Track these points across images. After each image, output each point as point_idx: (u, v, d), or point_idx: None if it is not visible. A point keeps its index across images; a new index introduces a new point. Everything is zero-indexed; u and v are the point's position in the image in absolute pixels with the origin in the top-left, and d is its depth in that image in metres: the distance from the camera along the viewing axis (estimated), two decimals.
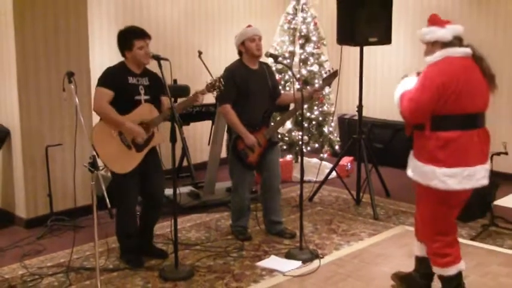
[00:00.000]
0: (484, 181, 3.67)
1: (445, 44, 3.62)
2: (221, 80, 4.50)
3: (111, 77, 4.42)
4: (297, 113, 5.34)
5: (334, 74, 5.22)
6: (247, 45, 4.92)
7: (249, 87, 4.93)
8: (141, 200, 4.73)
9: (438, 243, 3.74)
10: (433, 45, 3.68)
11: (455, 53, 3.60)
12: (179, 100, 6.63)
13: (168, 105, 4.49)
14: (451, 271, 3.74)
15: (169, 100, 4.34)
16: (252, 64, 5.01)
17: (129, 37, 4.44)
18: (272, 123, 5.21)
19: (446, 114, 3.54)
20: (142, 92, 4.48)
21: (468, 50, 3.64)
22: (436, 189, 3.58)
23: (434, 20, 3.72)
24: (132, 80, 4.46)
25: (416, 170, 3.68)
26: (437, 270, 3.81)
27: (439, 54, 3.61)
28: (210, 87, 4.50)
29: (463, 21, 7.20)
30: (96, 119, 4.63)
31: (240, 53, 5.03)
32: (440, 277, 3.82)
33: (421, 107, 3.55)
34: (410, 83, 3.71)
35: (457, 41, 3.65)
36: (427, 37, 3.70)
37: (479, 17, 7.18)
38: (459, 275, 3.77)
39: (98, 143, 4.33)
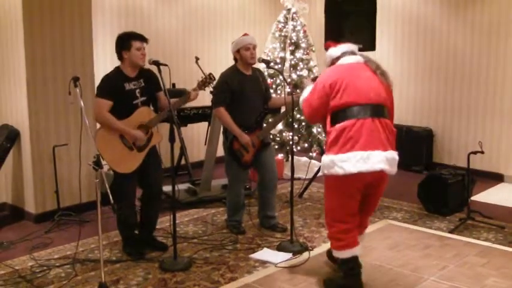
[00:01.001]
0: (381, 165, 3.60)
1: (338, 59, 3.87)
2: (211, 75, 4.51)
3: (109, 87, 4.37)
4: (288, 115, 5.31)
5: None
6: (242, 53, 4.89)
7: (244, 91, 4.90)
8: (141, 195, 4.71)
9: (334, 228, 3.84)
10: (333, 64, 3.92)
11: (346, 60, 3.83)
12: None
13: (164, 100, 4.47)
14: (345, 254, 3.83)
15: (164, 95, 4.32)
16: (246, 70, 4.98)
17: (128, 38, 4.42)
18: (265, 125, 5.20)
19: (340, 108, 3.66)
20: (138, 95, 4.46)
21: (359, 57, 3.84)
22: (337, 175, 3.62)
23: (328, 45, 4.00)
24: (128, 87, 4.41)
25: (322, 163, 3.74)
26: (334, 252, 3.93)
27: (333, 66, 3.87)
28: (201, 85, 4.50)
29: (441, 29, 7.30)
30: None
31: (235, 59, 5.01)
32: (337, 259, 3.93)
33: (311, 107, 3.81)
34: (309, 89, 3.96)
35: (348, 54, 3.88)
36: (327, 60, 3.99)
37: (456, 25, 7.21)
38: (354, 259, 3.85)
39: (101, 148, 4.31)
